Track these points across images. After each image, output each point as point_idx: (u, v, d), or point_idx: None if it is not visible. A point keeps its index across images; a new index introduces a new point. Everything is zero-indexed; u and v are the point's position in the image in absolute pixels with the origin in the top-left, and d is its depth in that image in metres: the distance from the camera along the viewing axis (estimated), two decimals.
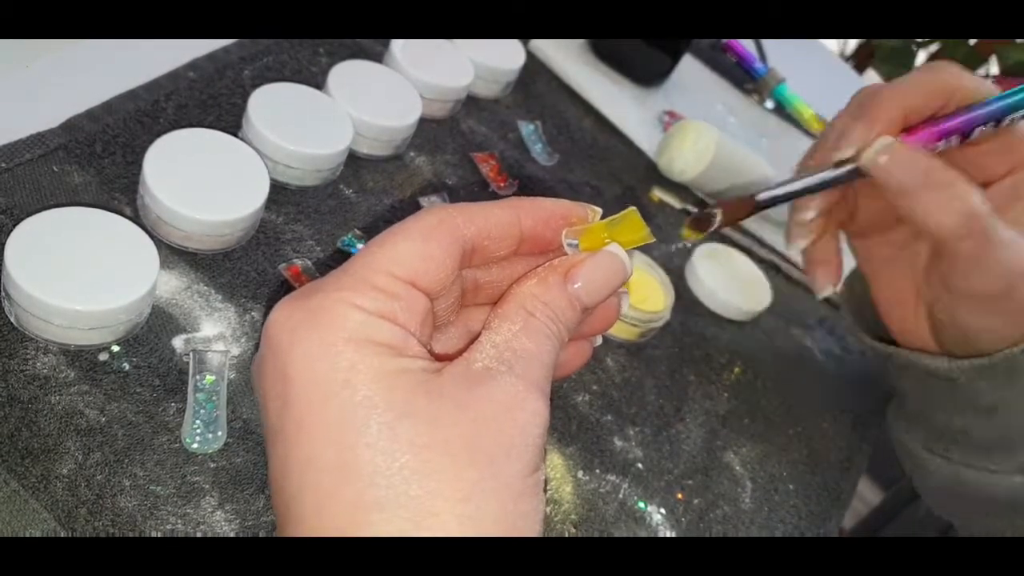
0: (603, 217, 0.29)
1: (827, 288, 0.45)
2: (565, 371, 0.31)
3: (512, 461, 0.24)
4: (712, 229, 0.34)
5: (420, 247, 0.25)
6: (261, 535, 0.34)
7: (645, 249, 0.54)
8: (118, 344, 0.36)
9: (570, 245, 0.28)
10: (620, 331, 0.49)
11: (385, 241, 0.26)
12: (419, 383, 0.24)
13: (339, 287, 0.25)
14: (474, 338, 0.26)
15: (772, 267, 0.63)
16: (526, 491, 0.24)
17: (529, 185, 0.55)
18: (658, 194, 0.63)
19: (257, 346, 0.39)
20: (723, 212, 0.34)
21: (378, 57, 0.54)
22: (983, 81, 0.39)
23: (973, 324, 0.41)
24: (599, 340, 0.32)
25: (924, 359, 0.44)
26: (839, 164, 0.38)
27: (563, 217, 0.28)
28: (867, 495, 1.40)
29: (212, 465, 0.35)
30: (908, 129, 0.39)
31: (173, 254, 0.40)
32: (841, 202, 0.44)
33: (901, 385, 0.49)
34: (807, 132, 0.80)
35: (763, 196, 0.36)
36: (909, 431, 0.49)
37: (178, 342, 0.37)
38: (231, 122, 0.47)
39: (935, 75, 0.39)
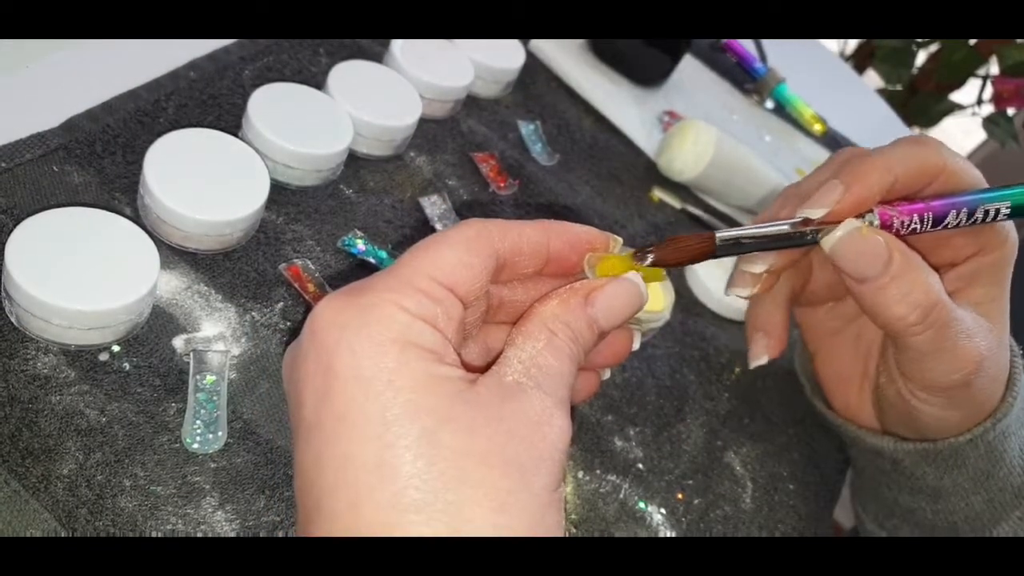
0: (624, 246, 0.30)
1: (761, 358, 0.43)
2: (573, 400, 0.32)
3: (542, 475, 0.24)
4: (648, 264, 0.30)
5: (461, 255, 0.26)
6: (261, 535, 0.34)
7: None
8: (118, 344, 0.36)
9: (591, 270, 0.30)
10: None
11: (428, 247, 0.27)
12: (458, 391, 0.25)
13: (385, 287, 0.25)
14: (492, 355, 0.27)
15: None
16: (551, 504, 0.25)
17: (529, 185, 0.55)
18: (658, 194, 0.63)
19: (257, 347, 0.39)
20: (667, 250, 0.30)
21: (378, 57, 0.54)
22: (969, 164, 0.37)
23: (926, 412, 0.40)
24: (607, 374, 0.33)
25: (870, 438, 0.44)
26: (806, 222, 0.34)
27: (588, 243, 0.30)
28: None
29: (212, 465, 0.35)
30: (883, 203, 0.36)
31: (173, 254, 0.40)
32: (796, 269, 0.42)
33: (852, 456, 0.50)
34: (807, 132, 0.80)
35: (723, 235, 0.31)
36: (863, 504, 0.50)
37: (178, 342, 0.37)
38: (231, 122, 0.47)
39: (925, 151, 0.36)
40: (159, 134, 0.40)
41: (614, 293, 0.29)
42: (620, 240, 0.30)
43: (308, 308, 0.41)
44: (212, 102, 0.47)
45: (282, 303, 0.41)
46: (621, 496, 0.43)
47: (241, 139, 0.43)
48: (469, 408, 0.24)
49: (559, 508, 0.25)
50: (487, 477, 0.23)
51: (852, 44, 1.68)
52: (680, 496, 0.45)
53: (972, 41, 1.47)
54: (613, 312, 0.29)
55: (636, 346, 0.32)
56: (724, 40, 0.80)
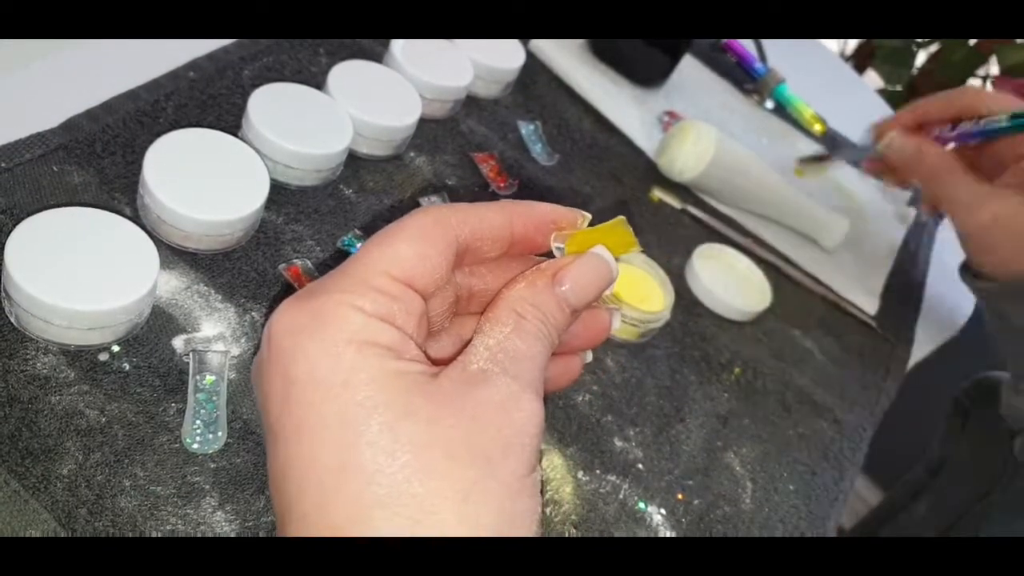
0: (593, 224, 0.29)
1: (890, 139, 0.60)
2: (554, 386, 0.32)
3: (509, 460, 0.24)
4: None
5: (416, 248, 0.26)
6: (261, 535, 0.34)
7: (646, 248, 0.54)
8: (118, 344, 0.36)
9: (558, 249, 0.29)
10: (620, 331, 0.49)
11: (382, 242, 0.26)
12: (418, 384, 0.24)
13: (339, 288, 0.25)
14: (467, 345, 0.27)
15: (772, 267, 0.63)
16: (523, 491, 0.24)
17: (529, 185, 0.55)
18: (658, 194, 0.63)
19: (257, 346, 0.39)
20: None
21: (378, 57, 0.54)
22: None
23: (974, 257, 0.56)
24: (589, 357, 0.33)
25: (977, 283, 0.56)
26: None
27: (553, 222, 0.29)
28: (867, 495, 1.40)
29: (212, 465, 0.35)
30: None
31: (173, 254, 0.40)
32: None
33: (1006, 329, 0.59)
34: (807, 132, 0.80)
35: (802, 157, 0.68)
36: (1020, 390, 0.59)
37: (178, 342, 0.37)
38: (231, 122, 0.47)
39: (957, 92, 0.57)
40: (159, 134, 0.40)
41: (581, 269, 0.28)
42: (588, 216, 0.30)
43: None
44: (212, 102, 0.47)
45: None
46: (621, 496, 0.43)
47: (241, 139, 0.43)
48: (429, 400, 0.24)
49: (532, 494, 0.25)
50: (452, 467, 0.23)
51: (852, 44, 1.68)
52: (680, 496, 0.45)
53: (972, 41, 1.47)
54: (583, 289, 0.28)
55: (616, 325, 0.31)
56: (724, 40, 0.80)
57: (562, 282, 0.28)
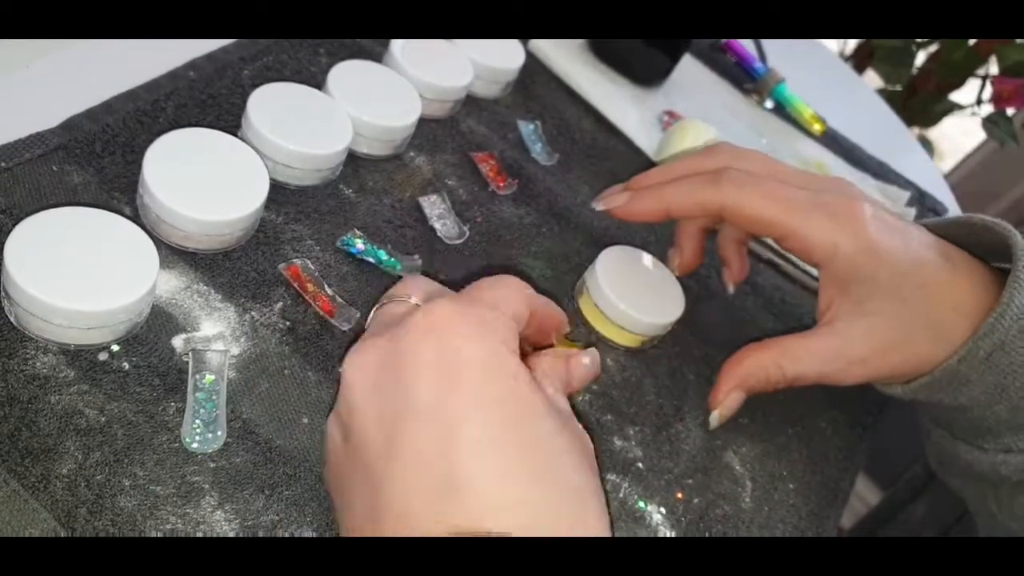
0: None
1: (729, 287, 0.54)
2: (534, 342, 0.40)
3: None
4: None
5: (527, 302, 0.34)
6: (261, 535, 0.34)
7: (648, 249, 0.54)
8: (118, 344, 0.36)
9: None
10: (622, 339, 0.49)
11: (510, 284, 0.34)
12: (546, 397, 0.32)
13: (486, 304, 0.32)
14: None
15: (772, 267, 0.63)
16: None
17: (529, 185, 0.55)
18: None
19: (257, 346, 0.39)
20: None
21: (378, 57, 0.54)
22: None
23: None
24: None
25: (885, 390, 0.47)
26: None
27: (556, 327, 0.38)
28: (867, 495, 1.40)
29: (212, 465, 0.35)
30: None
31: (173, 254, 0.40)
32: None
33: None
34: (807, 132, 0.80)
35: None
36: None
37: (178, 342, 0.37)
38: (231, 122, 0.47)
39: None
40: (158, 134, 0.40)
41: (581, 359, 0.37)
42: (568, 328, 0.40)
43: (308, 308, 0.41)
44: (211, 102, 0.47)
45: (281, 303, 0.41)
46: (621, 495, 0.43)
47: (240, 139, 0.43)
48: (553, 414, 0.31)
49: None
50: (580, 468, 0.30)
51: (852, 44, 1.68)
52: (679, 495, 0.45)
53: (972, 41, 1.47)
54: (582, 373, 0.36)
55: (586, 361, 0.37)
56: (724, 40, 0.80)
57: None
